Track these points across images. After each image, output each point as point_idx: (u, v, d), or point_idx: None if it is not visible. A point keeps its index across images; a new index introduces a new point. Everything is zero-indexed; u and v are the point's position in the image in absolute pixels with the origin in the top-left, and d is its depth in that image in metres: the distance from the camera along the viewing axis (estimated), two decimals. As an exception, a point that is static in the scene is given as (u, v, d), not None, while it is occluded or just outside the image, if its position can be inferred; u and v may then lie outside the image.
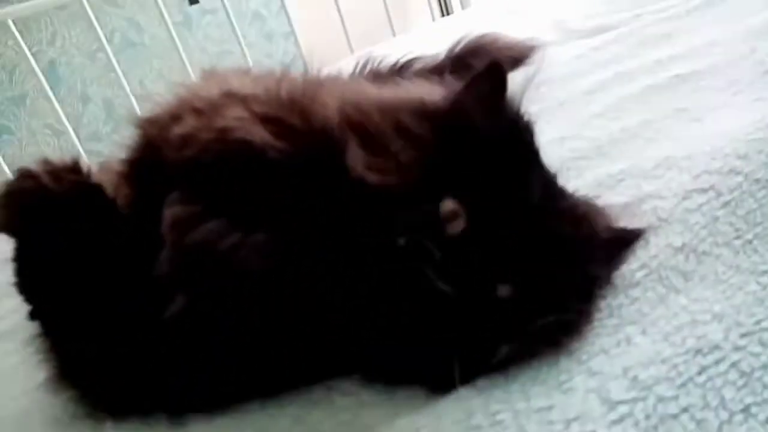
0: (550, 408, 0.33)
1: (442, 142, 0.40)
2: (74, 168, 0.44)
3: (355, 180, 0.38)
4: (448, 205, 0.37)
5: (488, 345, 0.35)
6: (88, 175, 0.45)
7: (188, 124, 0.44)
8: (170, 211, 0.39)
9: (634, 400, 0.32)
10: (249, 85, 0.52)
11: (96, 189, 0.43)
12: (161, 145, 0.44)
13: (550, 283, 0.37)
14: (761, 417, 0.31)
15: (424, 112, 0.42)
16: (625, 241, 0.44)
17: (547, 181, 0.43)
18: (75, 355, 0.41)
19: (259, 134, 0.40)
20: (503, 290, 0.36)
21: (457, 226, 0.37)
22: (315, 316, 0.37)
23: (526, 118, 0.43)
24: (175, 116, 0.46)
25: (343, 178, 0.38)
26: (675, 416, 0.31)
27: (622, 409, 0.32)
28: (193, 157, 0.41)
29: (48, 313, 0.42)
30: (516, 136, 0.42)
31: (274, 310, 0.37)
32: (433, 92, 0.45)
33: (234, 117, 0.42)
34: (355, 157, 0.39)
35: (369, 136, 0.40)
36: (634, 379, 0.33)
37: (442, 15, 2.35)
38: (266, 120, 0.42)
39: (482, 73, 0.42)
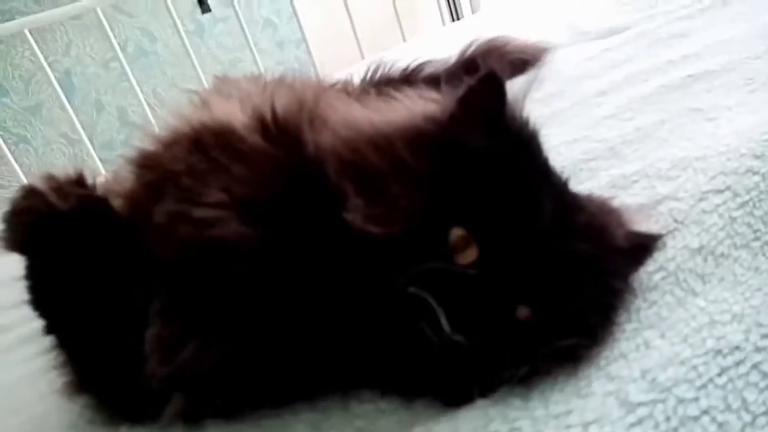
0: (568, 413, 0.33)
1: (442, 172, 0.38)
2: (79, 181, 0.44)
3: (358, 232, 0.37)
4: (456, 233, 0.36)
5: (508, 367, 0.35)
6: (94, 187, 0.45)
7: (168, 205, 0.42)
8: (153, 332, 0.39)
9: (654, 402, 0.32)
10: (241, 105, 0.49)
11: (102, 202, 0.44)
12: (143, 222, 0.42)
13: (570, 301, 0.36)
14: (784, 420, 0.30)
15: (419, 141, 0.40)
16: (644, 247, 0.43)
17: (558, 193, 0.41)
18: (90, 365, 0.42)
19: (236, 231, 0.39)
20: (522, 312, 0.36)
21: (470, 255, 0.36)
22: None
23: (529, 127, 0.41)
24: (154, 185, 0.44)
25: (343, 229, 0.37)
26: (696, 418, 0.31)
27: (641, 411, 0.31)
28: (172, 255, 0.40)
29: (63, 328, 0.42)
30: (520, 150, 0.40)
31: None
32: (427, 109, 0.43)
33: (213, 203, 0.40)
34: (356, 209, 0.38)
35: (366, 181, 0.39)
36: (653, 381, 0.33)
37: (452, 20, 2.35)
38: (246, 205, 0.40)
39: (477, 85, 0.40)
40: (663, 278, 0.41)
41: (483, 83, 0.40)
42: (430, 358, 0.35)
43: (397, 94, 0.49)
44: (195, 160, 0.43)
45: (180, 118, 0.49)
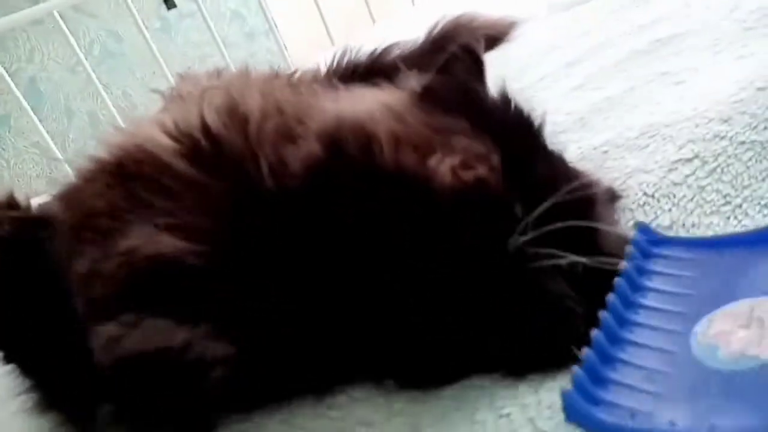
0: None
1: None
2: (11, 204, 0.42)
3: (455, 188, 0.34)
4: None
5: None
6: (28, 207, 0.42)
7: (87, 258, 0.38)
8: (103, 330, 0.34)
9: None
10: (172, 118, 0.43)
11: (39, 222, 0.41)
12: (66, 274, 0.39)
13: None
14: None
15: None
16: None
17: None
18: (50, 386, 0.40)
19: (170, 244, 0.36)
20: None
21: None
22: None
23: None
24: (75, 229, 0.40)
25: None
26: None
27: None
28: (101, 295, 0.37)
29: (19, 355, 0.40)
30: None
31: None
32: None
33: (137, 236, 0.37)
34: (439, 164, 0.35)
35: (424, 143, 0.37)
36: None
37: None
38: (174, 227, 0.37)
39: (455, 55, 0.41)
40: None
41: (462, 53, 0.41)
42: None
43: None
44: (114, 196, 0.39)
45: (106, 143, 0.44)
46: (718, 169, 0.43)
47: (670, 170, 0.44)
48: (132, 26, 1.84)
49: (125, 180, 0.39)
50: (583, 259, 0.32)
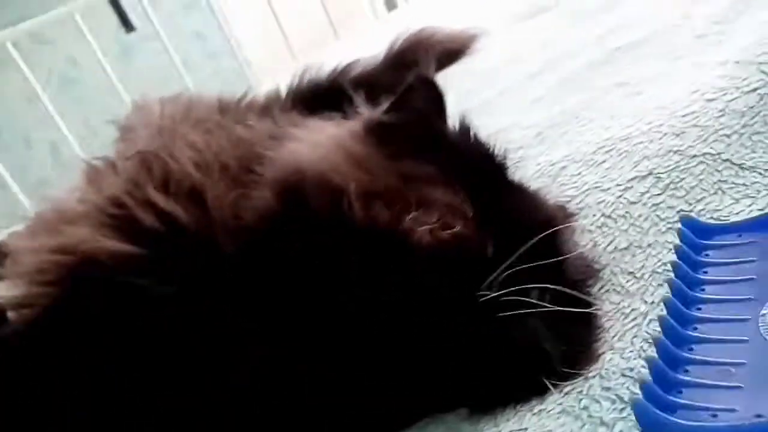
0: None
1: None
2: None
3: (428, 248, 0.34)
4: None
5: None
6: None
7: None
8: None
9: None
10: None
11: None
12: None
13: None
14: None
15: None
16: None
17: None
18: None
19: None
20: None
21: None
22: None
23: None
24: None
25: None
26: None
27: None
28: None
29: None
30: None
31: None
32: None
33: None
34: (416, 223, 0.34)
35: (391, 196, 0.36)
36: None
37: (389, 10, 2.32)
38: None
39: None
40: (599, 288, 0.39)
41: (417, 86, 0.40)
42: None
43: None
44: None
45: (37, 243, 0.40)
46: (671, 185, 0.42)
47: (626, 188, 0.44)
48: (91, 53, 1.81)
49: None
50: (552, 307, 0.32)
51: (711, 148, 0.43)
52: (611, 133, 0.53)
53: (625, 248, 0.40)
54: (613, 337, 0.35)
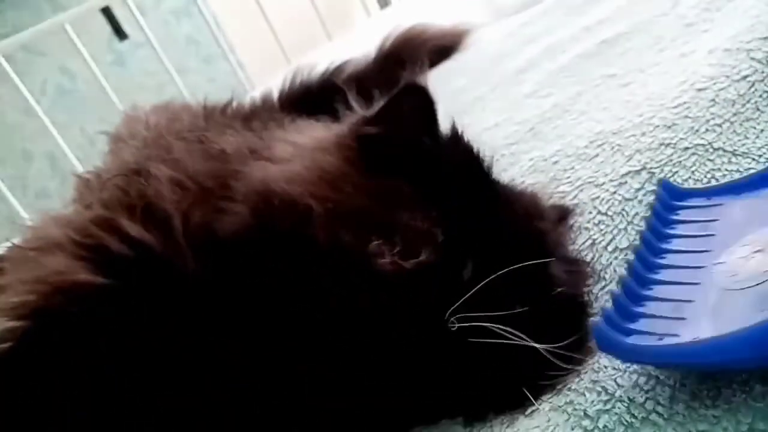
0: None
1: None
2: None
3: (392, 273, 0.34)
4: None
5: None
6: None
7: None
8: None
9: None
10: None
11: None
12: None
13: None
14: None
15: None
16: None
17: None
18: None
19: None
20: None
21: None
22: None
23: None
24: None
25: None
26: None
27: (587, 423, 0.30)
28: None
29: None
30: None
31: None
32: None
33: None
34: (378, 252, 0.34)
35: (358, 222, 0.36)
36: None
37: (381, 7, 2.31)
38: None
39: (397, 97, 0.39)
40: (601, 288, 0.39)
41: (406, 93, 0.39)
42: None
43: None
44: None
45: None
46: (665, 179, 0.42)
47: (620, 184, 0.44)
48: (84, 62, 1.82)
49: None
50: (528, 341, 0.32)
51: (702, 138, 0.43)
52: (603, 127, 0.53)
53: (626, 247, 0.40)
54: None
